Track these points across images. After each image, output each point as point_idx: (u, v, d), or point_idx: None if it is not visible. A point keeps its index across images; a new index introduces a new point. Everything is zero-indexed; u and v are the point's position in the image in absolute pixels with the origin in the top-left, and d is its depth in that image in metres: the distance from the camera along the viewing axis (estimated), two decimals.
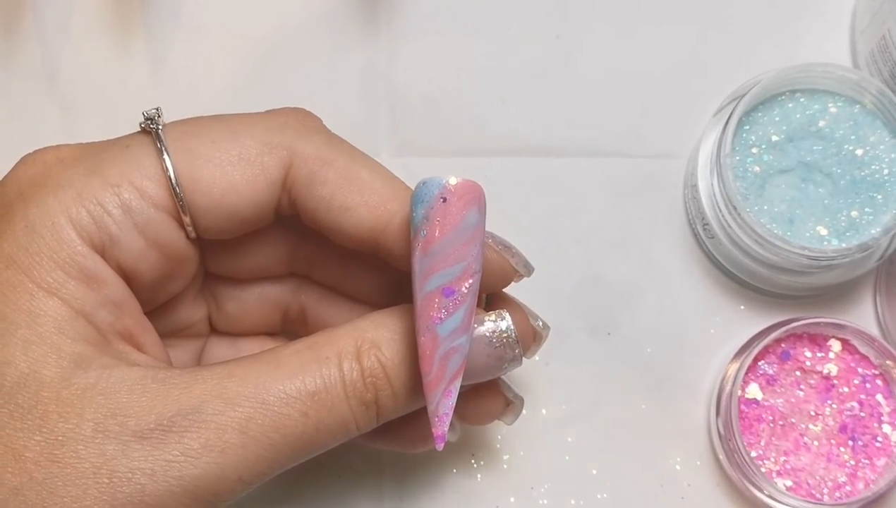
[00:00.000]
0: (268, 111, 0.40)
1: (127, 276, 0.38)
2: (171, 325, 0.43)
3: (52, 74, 0.53)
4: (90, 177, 0.37)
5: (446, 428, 0.37)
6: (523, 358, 0.39)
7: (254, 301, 0.44)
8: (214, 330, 0.45)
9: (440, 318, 0.36)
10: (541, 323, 0.41)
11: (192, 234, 0.39)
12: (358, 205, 0.38)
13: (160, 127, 0.38)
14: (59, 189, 0.36)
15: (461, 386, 0.37)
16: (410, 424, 0.42)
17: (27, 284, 0.35)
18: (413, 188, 0.37)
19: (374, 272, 0.43)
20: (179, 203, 0.37)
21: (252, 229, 0.40)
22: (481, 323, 0.38)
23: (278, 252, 0.43)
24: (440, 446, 0.37)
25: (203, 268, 0.42)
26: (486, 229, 0.37)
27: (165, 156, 0.37)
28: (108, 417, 0.34)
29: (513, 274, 0.40)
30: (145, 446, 0.34)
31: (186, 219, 0.38)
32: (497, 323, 0.38)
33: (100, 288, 0.36)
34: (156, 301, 0.41)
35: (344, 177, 0.39)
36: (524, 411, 0.45)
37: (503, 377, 0.43)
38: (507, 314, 0.38)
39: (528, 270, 0.41)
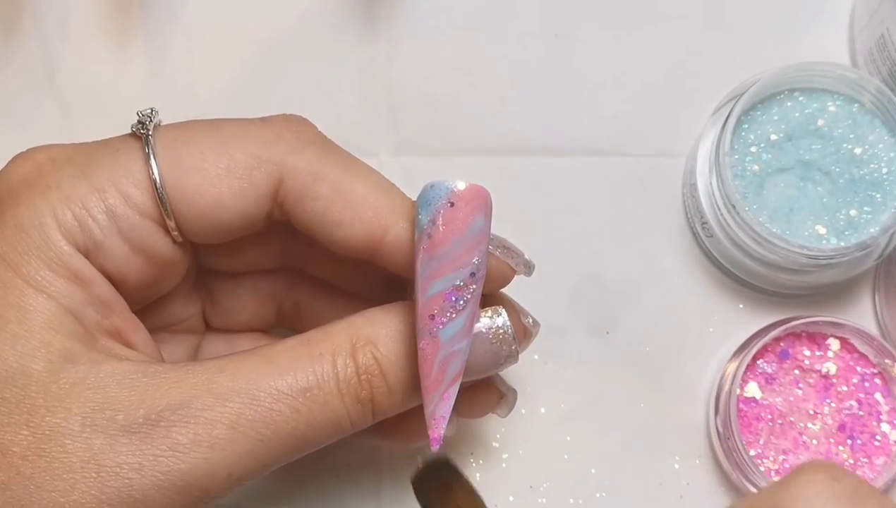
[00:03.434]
0: (263, 119, 0.40)
1: (113, 280, 0.38)
2: (164, 320, 0.43)
3: (51, 74, 0.53)
4: (78, 179, 0.37)
5: (442, 432, 0.36)
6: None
7: (248, 295, 0.44)
8: (210, 326, 0.45)
9: (442, 323, 0.36)
10: (531, 320, 0.41)
11: (179, 239, 0.39)
12: (351, 220, 0.38)
13: (150, 132, 0.38)
14: (48, 190, 0.36)
15: None
16: (407, 419, 0.41)
17: (17, 281, 0.35)
18: (409, 192, 0.37)
19: (370, 268, 0.43)
20: (164, 211, 0.37)
21: (241, 235, 0.40)
22: (477, 319, 0.38)
23: (272, 246, 0.43)
24: (435, 448, 0.37)
25: (196, 264, 0.42)
26: None
27: (153, 165, 0.37)
28: (97, 411, 0.34)
29: (511, 278, 0.40)
30: (133, 440, 0.34)
31: (171, 224, 0.38)
32: (493, 320, 0.38)
33: (88, 286, 0.37)
34: (146, 300, 0.41)
35: (336, 193, 0.38)
36: (523, 409, 0.44)
37: None
38: (503, 310, 0.38)
39: (529, 271, 0.40)
